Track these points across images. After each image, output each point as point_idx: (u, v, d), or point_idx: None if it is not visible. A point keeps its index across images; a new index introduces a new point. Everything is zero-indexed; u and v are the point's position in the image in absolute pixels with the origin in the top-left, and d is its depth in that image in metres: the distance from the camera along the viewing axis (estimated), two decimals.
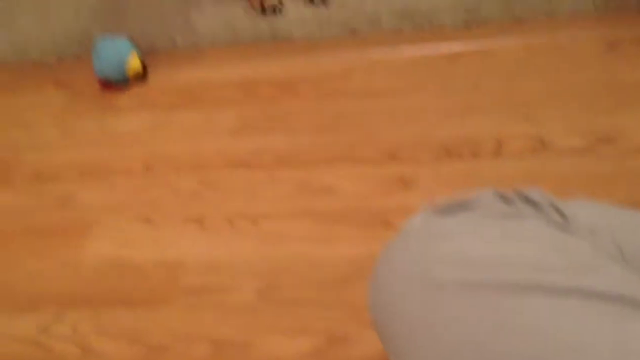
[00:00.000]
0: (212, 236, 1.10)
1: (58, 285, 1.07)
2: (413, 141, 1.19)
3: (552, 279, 0.53)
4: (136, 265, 1.08)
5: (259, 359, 0.92)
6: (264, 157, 1.22)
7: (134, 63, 1.39)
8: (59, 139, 1.34)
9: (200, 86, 1.39)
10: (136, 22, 1.57)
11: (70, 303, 1.04)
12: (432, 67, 1.34)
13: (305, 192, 1.14)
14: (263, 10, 1.50)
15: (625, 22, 1.35)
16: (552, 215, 0.63)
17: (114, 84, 1.41)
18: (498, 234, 0.60)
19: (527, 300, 0.53)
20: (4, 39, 1.61)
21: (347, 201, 1.11)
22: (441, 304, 0.58)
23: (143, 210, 1.16)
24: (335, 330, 0.93)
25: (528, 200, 0.65)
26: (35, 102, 1.43)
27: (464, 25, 1.41)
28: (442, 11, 1.43)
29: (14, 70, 1.53)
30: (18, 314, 1.04)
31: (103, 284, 1.06)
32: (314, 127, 1.26)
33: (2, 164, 1.30)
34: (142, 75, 1.43)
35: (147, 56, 1.46)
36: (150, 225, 1.14)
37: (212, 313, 0.98)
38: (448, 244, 0.61)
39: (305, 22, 1.48)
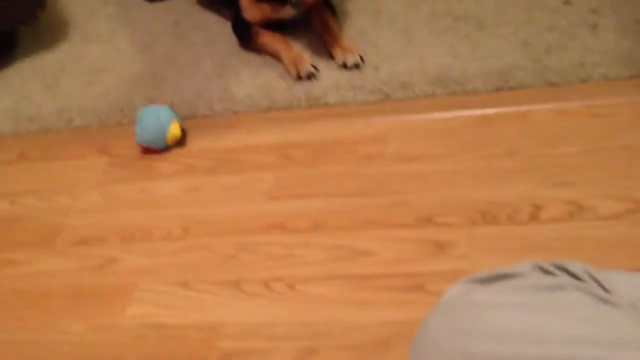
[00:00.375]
0: (249, 300, 1.12)
1: (98, 349, 1.09)
2: (448, 205, 1.21)
3: (593, 353, 0.54)
4: (175, 329, 1.10)
5: None
6: (300, 220, 1.25)
7: (174, 130, 1.45)
8: (101, 203, 1.39)
9: (237, 150, 1.44)
10: (176, 89, 1.64)
11: None
12: (466, 132, 1.36)
13: (341, 256, 1.16)
14: (299, 76, 1.56)
15: None
16: (593, 287, 0.64)
17: (155, 149, 1.46)
18: (538, 306, 0.61)
19: None
20: (50, 105, 1.70)
21: (383, 265, 1.13)
22: None
23: (181, 273, 1.20)
24: None
25: (568, 272, 0.66)
26: (79, 168, 1.49)
27: (496, 90, 1.44)
28: (475, 76, 1.47)
29: (59, 136, 1.61)
30: None
31: (142, 348, 1.08)
32: (349, 191, 1.28)
33: (46, 228, 1.36)
34: (181, 140, 1.48)
35: (186, 121, 1.52)
36: (188, 288, 1.17)
37: None
38: (487, 315, 0.62)
39: (340, 87, 1.53)
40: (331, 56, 1.61)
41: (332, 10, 1.72)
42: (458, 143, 1.34)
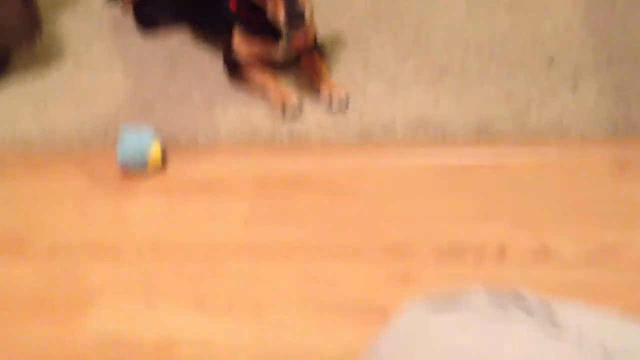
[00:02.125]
0: (211, 318, 1.16)
1: (55, 351, 1.12)
2: (417, 242, 1.26)
3: None
4: (132, 339, 1.14)
5: None
6: (271, 248, 1.30)
7: (155, 153, 1.51)
8: (76, 219, 1.44)
9: (216, 178, 1.50)
10: (162, 117, 1.72)
11: None
12: (442, 176, 1.43)
13: (307, 282, 1.21)
14: (284, 111, 1.63)
15: (635, 144, 1.44)
16: (542, 321, 0.69)
17: (135, 171, 1.52)
18: (484, 336, 0.66)
19: None
20: (36, 126, 1.77)
21: (347, 293, 1.18)
22: None
23: (146, 289, 1.24)
24: None
25: (520, 304, 0.71)
26: (59, 186, 1.56)
27: (475, 140, 1.51)
28: (455, 125, 1.54)
29: (42, 155, 1.67)
30: None
31: (98, 354, 1.12)
32: (322, 223, 1.34)
33: (19, 238, 1.40)
34: (162, 165, 1.54)
35: (169, 147, 1.59)
36: (152, 302, 1.21)
37: None
38: (433, 337, 0.67)
39: (323, 127, 1.61)
40: (317, 95, 1.68)
41: (321, 53, 1.81)
42: (433, 185, 1.41)
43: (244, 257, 1.28)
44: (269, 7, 1.61)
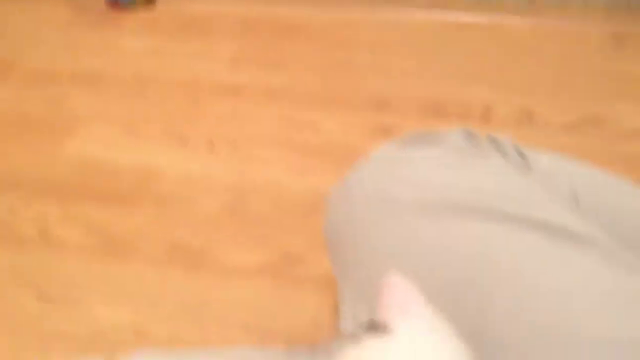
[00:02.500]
0: (191, 152, 1.17)
1: (34, 173, 1.14)
2: (403, 96, 1.25)
3: (494, 204, 0.58)
4: (112, 167, 1.14)
5: (213, 265, 0.97)
6: (255, 88, 1.29)
7: None
8: (60, 47, 1.42)
9: (206, 18, 1.47)
10: None
11: (41, 190, 1.10)
12: (437, 33, 1.40)
13: (289, 125, 1.21)
14: None
15: (634, 18, 1.40)
16: (514, 159, 0.69)
17: (122, 5, 1.48)
18: (456, 166, 0.65)
19: (465, 220, 0.58)
20: None
21: (327, 139, 1.17)
22: (388, 220, 0.63)
23: (128, 119, 1.23)
24: (290, 250, 0.98)
25: (494, 143, 0.70)
26: (45, 14, 1.52)
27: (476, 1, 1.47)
28: None
29: None
30: None
31: (77, 179, 1.12)
32: (309, 69, 1.32)
33: (2, 62, 1.38)
34: (150, 1, 1.49)
35: None
36: (133, 134, 1.21)
37: (177, 219, 1.04)
38: (405, 168, 0.66)
39: None
40: None
41: None
42: (428, 42, 1.39)
43: (228, 97, 1.27)
44: None
